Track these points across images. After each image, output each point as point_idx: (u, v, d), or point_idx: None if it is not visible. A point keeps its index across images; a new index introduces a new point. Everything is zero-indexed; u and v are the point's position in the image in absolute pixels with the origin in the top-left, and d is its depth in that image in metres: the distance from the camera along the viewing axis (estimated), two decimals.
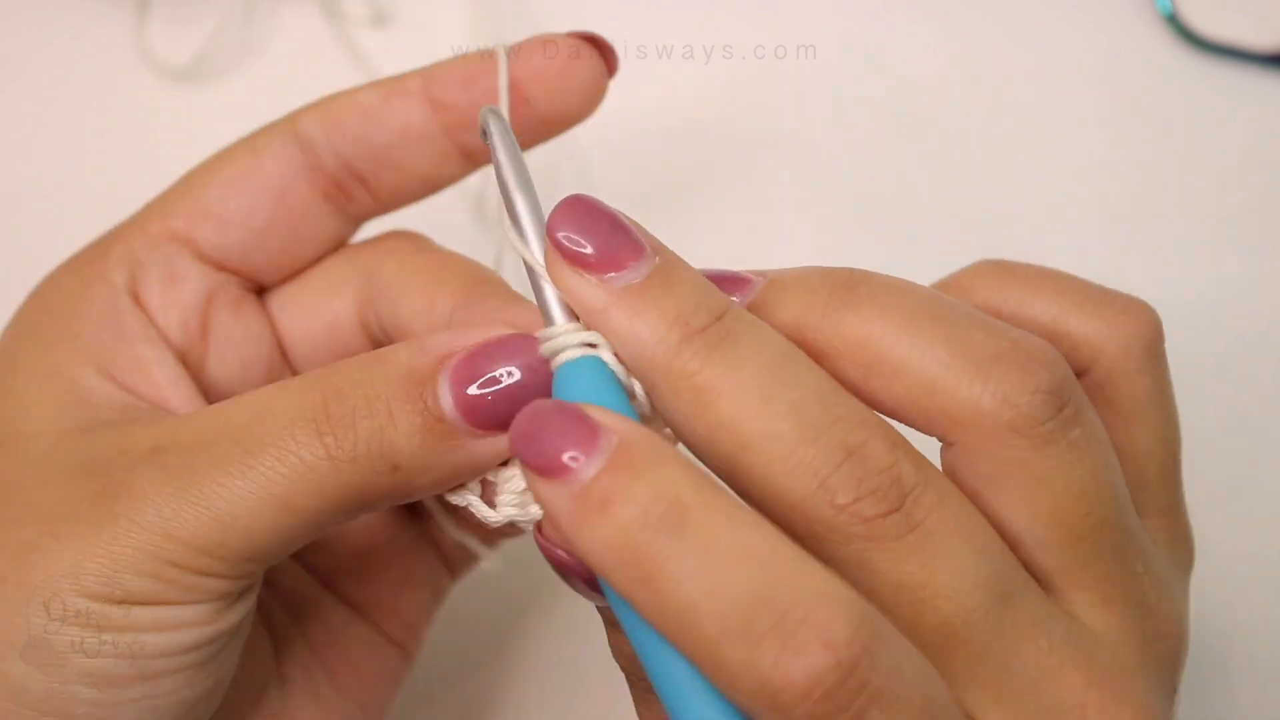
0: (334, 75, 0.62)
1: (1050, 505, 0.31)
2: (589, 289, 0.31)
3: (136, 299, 0.37)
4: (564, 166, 0.59)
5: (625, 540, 0.27)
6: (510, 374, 0.32)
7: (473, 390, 0.32)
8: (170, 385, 0.37)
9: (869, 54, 0.62)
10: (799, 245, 0.58)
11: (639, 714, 0.33)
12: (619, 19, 0.62)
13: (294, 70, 0.62)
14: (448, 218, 0.59)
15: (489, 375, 0.32)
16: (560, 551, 0.31)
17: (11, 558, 0.32)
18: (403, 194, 0.40)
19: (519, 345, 0.33)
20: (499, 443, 0.33)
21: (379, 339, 0.40)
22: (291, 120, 0.39)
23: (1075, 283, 0.36)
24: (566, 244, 0.31)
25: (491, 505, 0.35)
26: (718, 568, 0.26)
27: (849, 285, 0.32)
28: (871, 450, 0.29)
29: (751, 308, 0.32)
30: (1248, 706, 0.51)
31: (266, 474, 0.32)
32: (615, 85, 0.64)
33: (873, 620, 0.27)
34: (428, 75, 0.38)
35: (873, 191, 0.60)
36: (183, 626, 0.32)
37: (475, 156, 0.39)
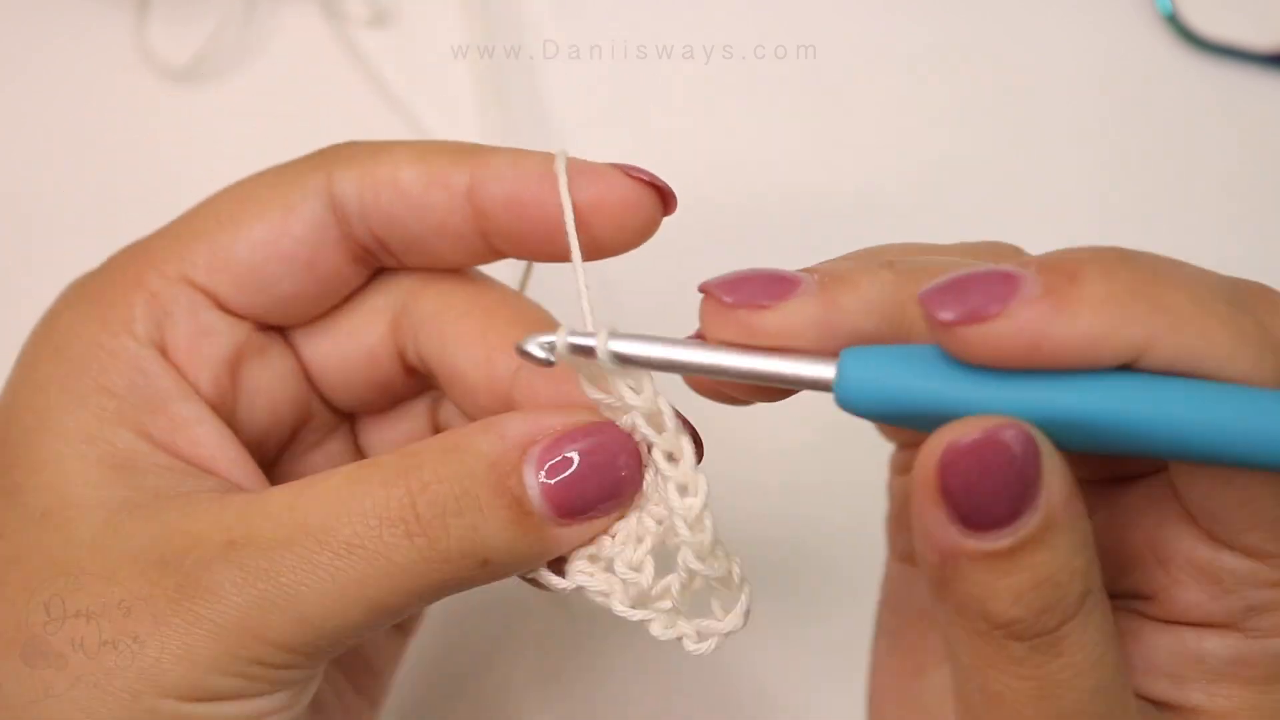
0: (334, 75, 0.62)
1: None
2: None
3: (164, 353, 0.36)
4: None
5: (1113, 291, 0.28)
6: (612, 470, 0.33)
7: (558, 481, 0.32)
8: (214, 444, 0.36)
9: (869, 54, 0.62)
10: (799, 242, 0.58)
11: (1008, 691, 0.31)
12: (619, 19, 0.62)
13: (294, 70, 0.62)
14: None
15: (572, 464, 0.32)
16: (1007, 430, 0.29)
17: (87, 658, 0.32)
18: (430, 266, 0.38)
19: (602, 431, 0.33)
20: (587, 529, 0.33)
21: (419, 370, 0.39)
22: (327, 175, 0.36)
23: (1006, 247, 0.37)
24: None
25: (560, 573, 0.35)
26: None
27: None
28: None
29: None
30: None
31: (357, 577, 0.32)
32: (615, 85, 0.64)
33: None
34: (476, 173, 0.35)
35: (873, 192, 0.60)
36: (264, 715, 0.33)
37: (505, 251, 0.37)
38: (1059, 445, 0.29)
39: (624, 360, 0.32)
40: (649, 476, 0.34)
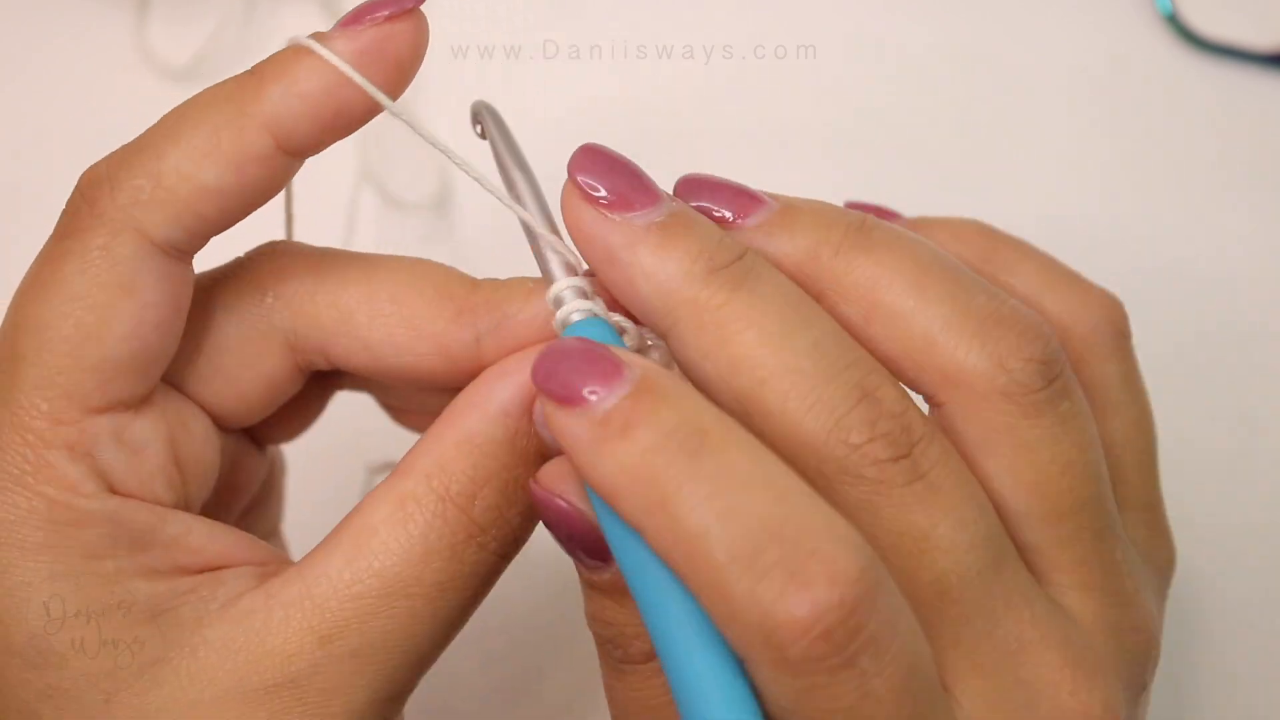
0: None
1: (1035, 476, 0.31)
2: (613, 227, 0.31)
3: (113, 491, 0.33)
4: (562, 167, 0.59)
5: (643, 463, 0.27)
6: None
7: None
8: (210, 542, 0.34)
9: (869, 54, 0.62)
10: None
11: (609, 688, 0.33)
12: (619, 19, 0.62)
13: None
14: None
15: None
16: (559, 501, 0.31)
17: (88, 658, 0.31)
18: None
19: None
20: None
21: (329, 372, 0.37)
22: (136, 230, 0.33)
23: (1053, 262, 0.37)
24: (587, 187, 0.32)
25: None
26: (733, 495, 0.26)
27: (863, 228, 0.32)
28: (884, 395, 0.30)
29: (763, 229, 0.33)
30: (1243, 705, 0.51)
31: (455, 605, 0.33)
32: (615, 84, 0.64)
33: (877, 564, 0.27)
34: (274, 126, 0.33)
35: (873, 192, 0.60)
36: None
37: (312, 153, 0.35)
38: None
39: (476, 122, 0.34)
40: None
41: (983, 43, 0.62)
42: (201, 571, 0.33)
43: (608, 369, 0.28)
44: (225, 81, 0.34)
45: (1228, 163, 0.60)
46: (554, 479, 0.31)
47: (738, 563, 0.26)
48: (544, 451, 0.33)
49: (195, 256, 0.34)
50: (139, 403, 0.34)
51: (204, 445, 0.36)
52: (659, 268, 0.31)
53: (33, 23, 0.63)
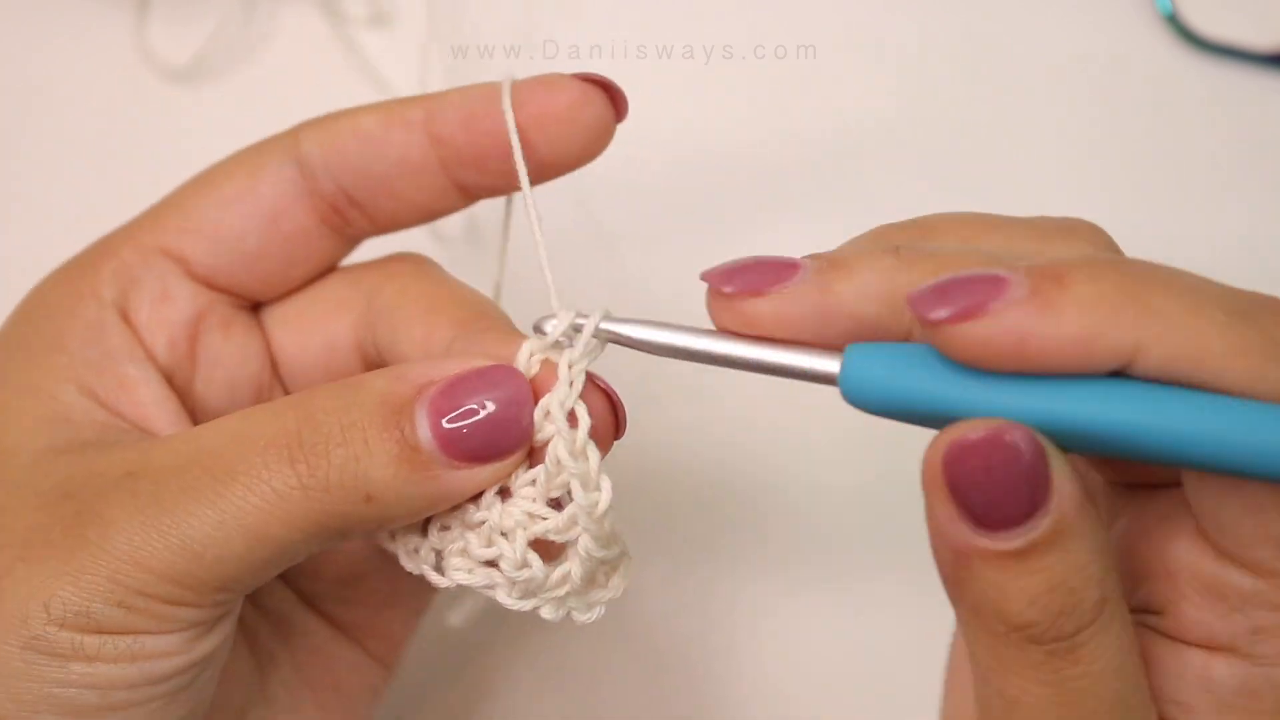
0: (334, 75, 0.62)
1: None
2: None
3: (125, 316, 0.37)
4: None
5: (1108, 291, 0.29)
6: (487, 406, 0.32)
7: (450, 422, 0.32)
8: (154, 405, 0.36)
9: (869, 54, 0.62)
10: (799, 243, 0.58)
11: (1038, 702, 0.31)
12: (619, 19, 0.62)
13: (294, 70, 0.62)
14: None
15: (467, 406, 0.32)
16: (1008, 436, 0.29)
17: None
18: (399, 221, 0.39)
19: (500, 376, 0.33)
20: (476, 475, 0.33)
21: (374, 362, 0.39)
22: (294, 138, 0.38)
23: (1033, 220, 0.37)
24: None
25: (440, 572, 0.35)
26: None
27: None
28: None
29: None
30: None
31: (237, 503, 0.31)
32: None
33: None
34: (430, 107, 0.37)
35: (873, 192, 0.60)
36: (153, 657, 0.32)
37: (471, 191, 0.38)
38: (1066, 449, 0.30)
39: (621, 342, 0.33)
40: (549, 456, 0.33)
41: (982, 43, 0.62)
42: (129, 423, 0.36)
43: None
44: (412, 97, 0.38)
45: (1227, 162, 0.60)
46: (977, 426, 0.29)
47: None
48: (406, 432, 0.32)
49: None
50: (203, 275, 0.38)
51: (239, 359, 0.39)
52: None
53: (33, 23, 0.63)
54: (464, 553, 0.34)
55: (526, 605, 0.34)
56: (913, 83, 0.62)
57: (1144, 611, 0.34)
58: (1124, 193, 0.60)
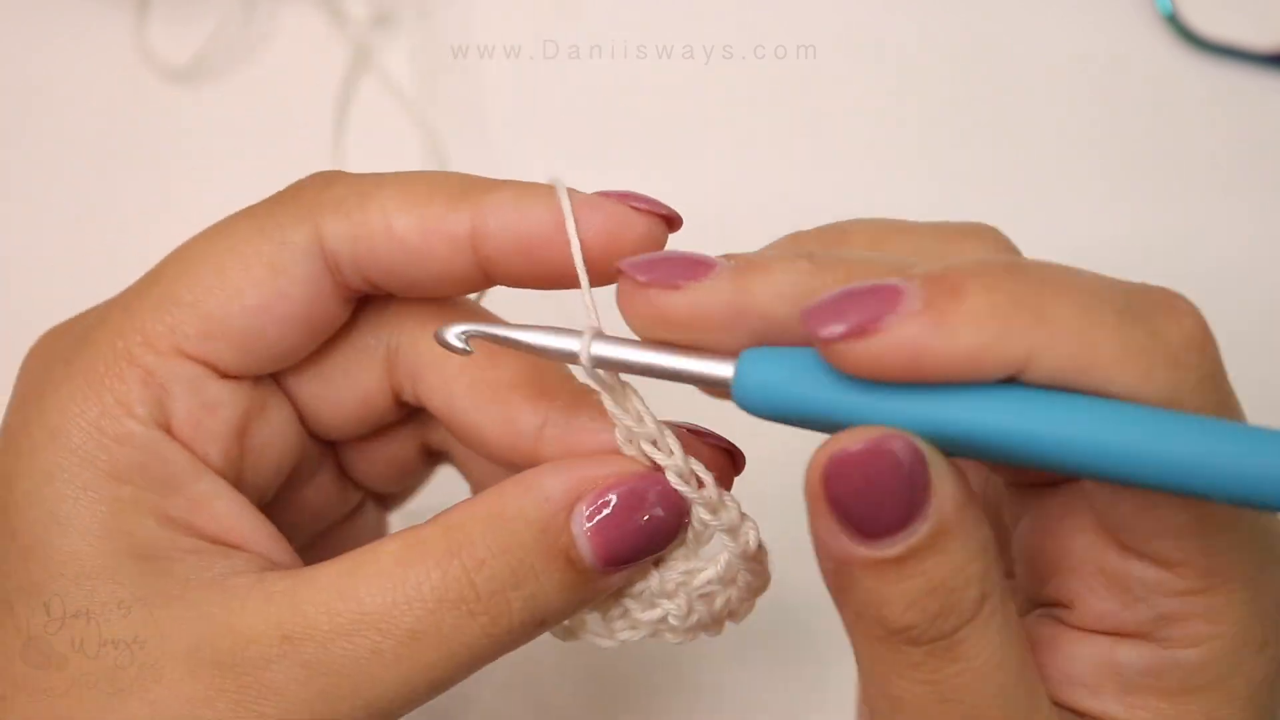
0: (334, 75, 0.62)
1: None
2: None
3: (169, 431, 0.34)
4: (563, 163, 0.59)
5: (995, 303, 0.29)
6: (639, 517, 0.33)
7: (608, 540, 0.33)
8: (233, 517, 0.35)
9: (869, 54, 0.62)
10: None
11: (918, 700, 0.32)
12: (619, 19, 0.62)
13: (294, 70, 0.62)
14: None
15: (623, 524, 0.33)
16: (892, 442, 0.29)
17: (87, 658, 0.31)
18: (422, 296, 0.37)
19: (643, 484, 0.33)
20: (629, 571, 0.34)
21: (413, 404, 0.38)
22: (315, 228, 0.34)
23: (938, 224, 0.37)
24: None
25: (607, 636, 0.36)
26: None
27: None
28: None
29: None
30: None
31: (425, 662, 0.32)
32: (615, 84, 0.64)
33: None
34: (477, 222, 0.34)
35: (873, 192, 0.60)
36: None
37: (505, 284, 0.36)
38: (953, 454, 0.30)
39: (507, 343, 0.33)
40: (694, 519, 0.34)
41: (982, 43, 0.62)
42: (214, 541, 0.34)
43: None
44: (477, 176, 0.35)
45: (1227, 162, 0.60)
46: (857, 437, 0.29)
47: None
48: (571, 555, 0.33)
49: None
50: (232, 375, 0.35)
51: (278, 437, 0.36)
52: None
53: (33, 23, 0.63)
54: (627, 616, 0.36)
55: (691, 638, 0.36)
56: (912, 83, 0.62)
57: (1051, 605, 0.34)
58: (1124, 192, 0.60)
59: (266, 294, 0.34)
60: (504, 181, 0.34)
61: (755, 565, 0.36)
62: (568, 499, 0.33)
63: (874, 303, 0.29)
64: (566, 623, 0.36)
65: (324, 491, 0.40)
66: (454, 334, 0.33)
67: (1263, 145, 0.60)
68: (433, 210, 0.34)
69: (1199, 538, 0.30)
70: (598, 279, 0.33)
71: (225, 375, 0.35)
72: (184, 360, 0.34)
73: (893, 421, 0.29)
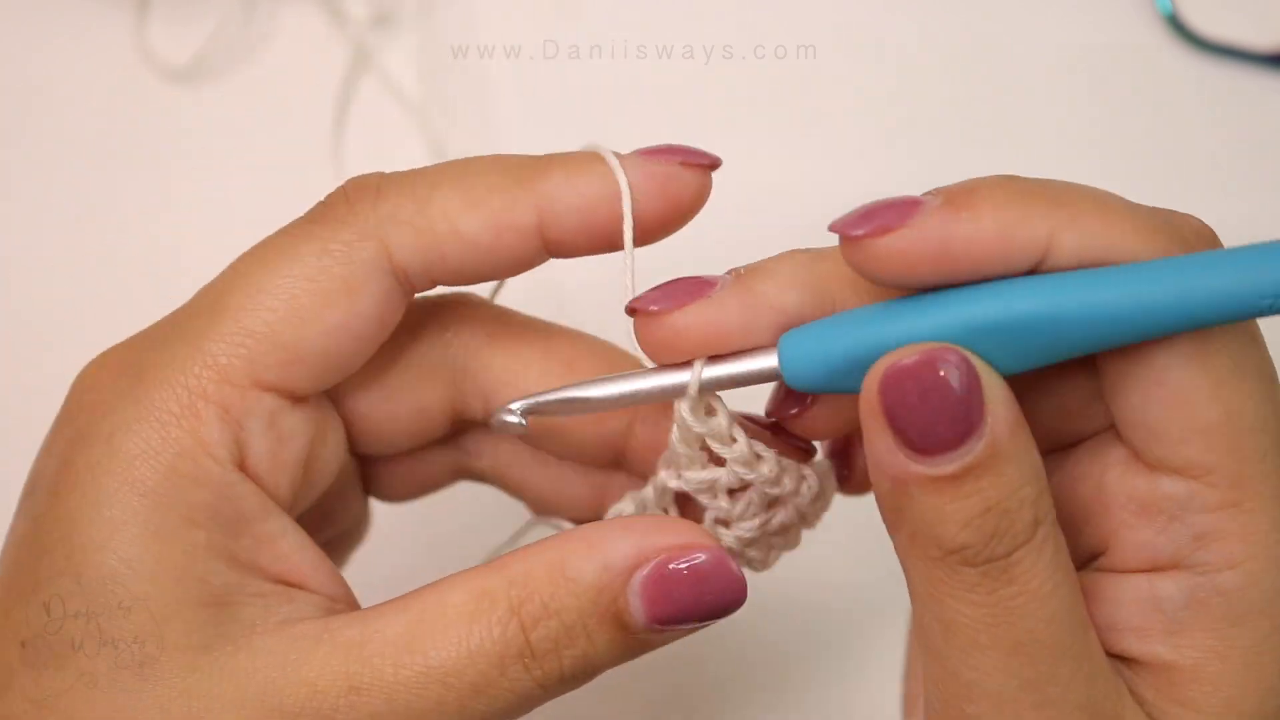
0: (334, 75, 0.62)
1: None
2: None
3: (244, 467, 0.34)
4: None
5: None
6: (697, 590, 0.33)
7: (663, 610, 0.33)
8: (297, 556, 0.35)
9: (869, 54, 0.62)
10: (800, 241, 0.58)
11: (971, 629, 0.32)
12: (619, 19, 0.62)
13: (294, 70, 0.62)
14: None
15: (678, 594, 0.33)
16: (950, 355, 0.30)
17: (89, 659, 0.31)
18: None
19: (709, 556, 0.33)
20: (682, 633, 0.34)
21: (478, 421, 0.39)
22: (381, 243, 0.34)
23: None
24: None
25: None
26: None
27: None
28: None
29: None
30: None
31: (480, 713, 0.32)
32: (615, 84, 0.64)
33: None
34: (542, 208, 0.34)
35: (873, 191, 0.60)
36: None
37: (562, 254, 0.36)
38: (997, 366, 0.31)
39: (566, 407, 0.34)
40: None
41: (982, 43, 0.62)
42: (277, 581, 0.34)
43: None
44: (517, 155, 0.35)
45: (1227, 162, 0.60)
46: (911, 351, 0.30)
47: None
48: (624, 619, 0.33)
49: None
50: (303, 397, 0.35)
51: (331, 457, 0.36)
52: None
53: (33, 23, 0.63)
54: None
55: (773, 563, 0.39)
56: (912, 83, 0.62)
57: (1089, 559, 0.35)
58: (1123, 192, 0.60)
59: (342, 315, 0.34)
60: (551, 159, 0.35)
61: (820, 498, 0.38)
62: (629, 566, 0.33)
63: (898, 208, 0.31)
64: None
65: (347, 503, 0.41)
66: (512, 411, 0.35)
67: (1263, 145, 0.60)
68: (495, 206, 0.34)
69: (1228, 435, 0.31)
70: (655, 236, 0.35)
71: (299, 400, 0.35)
72: (261, 393, 0.34)
73: (934, 335, 0.30)
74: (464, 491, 0.43)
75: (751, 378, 0.33)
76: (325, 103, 0.61)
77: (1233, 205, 0.59)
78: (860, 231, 0.31)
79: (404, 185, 0.35)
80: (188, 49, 0.62)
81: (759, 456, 0.35)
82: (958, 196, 0.30)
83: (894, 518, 0.32)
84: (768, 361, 0.33)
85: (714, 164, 0.35)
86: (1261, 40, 0.61)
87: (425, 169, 0.35)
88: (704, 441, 0.35)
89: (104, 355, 0.35)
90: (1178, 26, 0.61)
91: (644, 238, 0.35)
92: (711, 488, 0.36)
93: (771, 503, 0.37)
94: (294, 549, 0.34)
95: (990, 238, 0.30)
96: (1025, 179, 0.31)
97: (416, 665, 0.32)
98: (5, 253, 0.59)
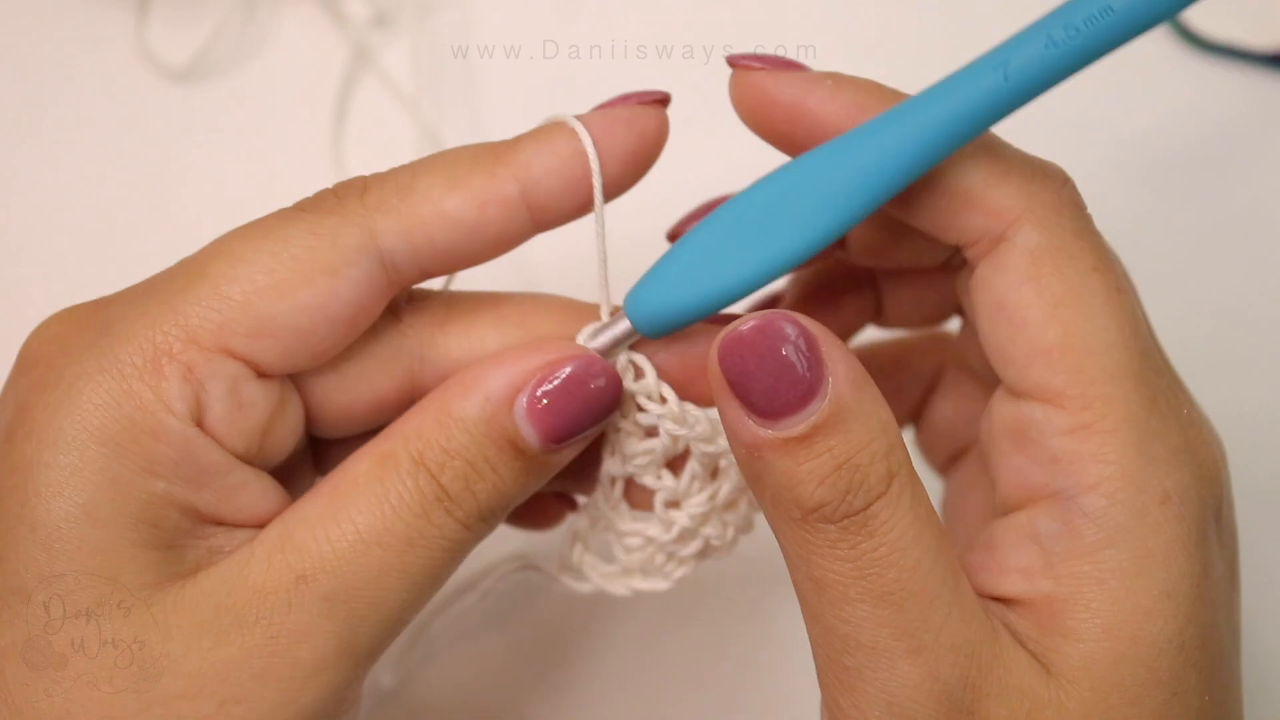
0: (334, 75, 0.62)
1: None
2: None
3: (201, 424, 0.34)
4: None
5: None
6: (575, 394, 0.35)
7: (551, 425, 0.34)
8: (260, 500, 0.35)
9: (869, 54, 0.62)
10: None
11: (832, 588, 0.33)
12: (619, 19, 0.63)
13: (294, 70, 0.62)
14: None
15: (560, 403, 0.34)
16: (789, 324, 0.32)
17: (89, 659, 0.32)
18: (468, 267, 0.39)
19: (582, 364, 0.35)
20: (579, 446, 0.36)
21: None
22: (367, 230, 0.35)
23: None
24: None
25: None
26: None
27: None
28: None
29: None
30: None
31: (421, 563, 0.33)
32: (615, 84, 0.64)
33: None
34: (523, 178, 0.35)
35: None
36: None
37: (548, 223, 0.37)
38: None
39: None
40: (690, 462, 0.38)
41: (981, 43, 0.62)
42: (241, 528, 0.35)
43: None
44: (492, 142, 0.37)
45: (1227, 162, 0.60)
46: (747, 320, 0.32)
47: None
48: (518, 444, 0.34)
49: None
50: (272, 373, 0.35)
51: (289, 435, 0.37)
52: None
53: (33, 23, 0.63)
54: (674, 558, 0.39)
55: (733, 548, 0.40)
56: (912, 83, 0.62)
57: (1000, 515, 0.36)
58: (1124, 192, 0.60)
59: (321, 295, 0.34)
60: (520, 136, 0.36)
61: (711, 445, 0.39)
62: (507, 395, 0.34)
63: (788, 60, 0.36)
64: (628, 573, 0.40)
65: (298, 482, 0.41)
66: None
67: (1263, 145, 0.60)
68: (476, 182, 0.35)
69: (1070, 356, 0.33)
70: (628, 177, 0.37)
71: (263, 374, 0.35)
72: (227, 359, 0.34)
73: (753, 276, 0.34)
74: None
75: (621, 339, 0.36)
76: (325, 103, 0.61)
77: (1233, 205, 0.59)
78: (756, 64, 0.35)
79: (388, 178, 0.36)
80: (188, 49, 0.62)
81: (689, 413, 0.36)
82: (833, 73, 0.35)
83: (756, 484, 0.33)
84: (622, 328, 0.35)
85: (665, 99, 0.38)
86: (1261, 40, 0.61)
87: (408, 164, 0.36)
88: (636, 416, 0.37)
89: (65, 311, 0.36)
90: (1178, 26, 0.61)
91: (618, 181, 0.36)
92: (653, 461, 0.37)
93: (714, 472, 0.38)
94: (257, 497, 0.35)
95: (841, 106, 0.34)
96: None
97: (347, 535, 0.33)
98: (6, 252, 0.59)
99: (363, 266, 0.35)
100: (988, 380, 0.38)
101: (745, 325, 0.32)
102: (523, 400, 0.34)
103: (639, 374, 0.36)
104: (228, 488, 0.35)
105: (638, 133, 0.36)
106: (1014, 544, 0.34)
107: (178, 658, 0.32)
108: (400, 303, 0.38)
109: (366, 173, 0.36)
